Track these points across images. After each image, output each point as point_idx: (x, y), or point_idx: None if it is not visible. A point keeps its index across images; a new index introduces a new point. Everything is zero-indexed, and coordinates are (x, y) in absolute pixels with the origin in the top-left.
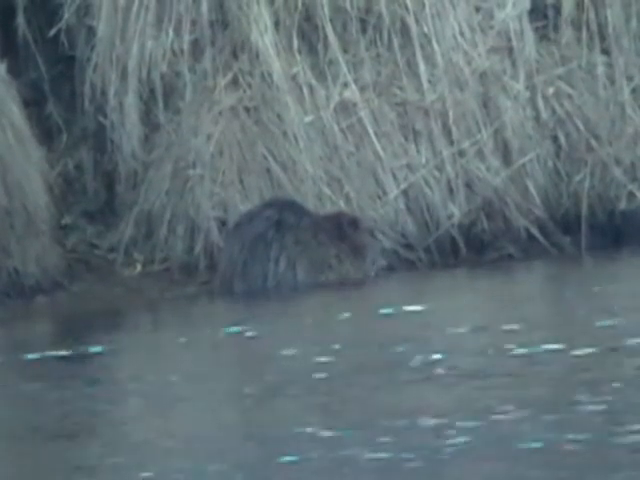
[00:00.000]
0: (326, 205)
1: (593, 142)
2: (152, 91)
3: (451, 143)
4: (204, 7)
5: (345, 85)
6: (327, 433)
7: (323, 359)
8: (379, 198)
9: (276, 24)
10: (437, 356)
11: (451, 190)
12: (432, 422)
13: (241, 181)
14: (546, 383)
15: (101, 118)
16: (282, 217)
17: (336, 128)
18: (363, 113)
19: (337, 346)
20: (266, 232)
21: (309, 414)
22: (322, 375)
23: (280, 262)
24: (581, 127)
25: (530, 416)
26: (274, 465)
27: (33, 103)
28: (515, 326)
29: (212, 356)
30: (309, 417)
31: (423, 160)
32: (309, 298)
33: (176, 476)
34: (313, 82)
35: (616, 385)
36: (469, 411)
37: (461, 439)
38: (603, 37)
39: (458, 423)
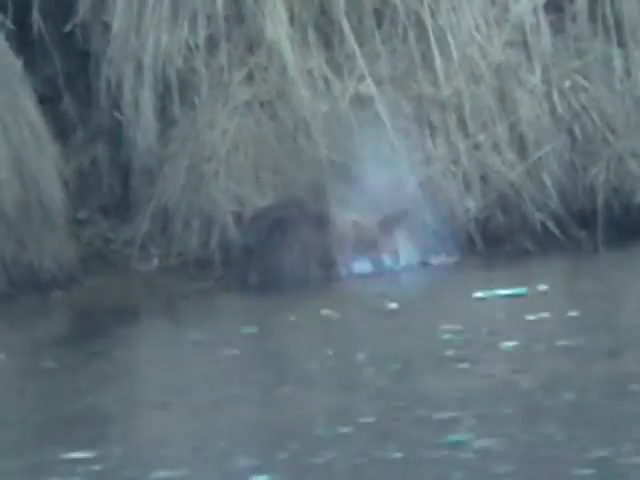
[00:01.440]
0: (342, 201)
1: (609, 135)
2: (167, 86)
3: (467, 136)
4: (219, 2)
5: (361, 79)
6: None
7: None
8: (395, 191)
9: (291, 18)
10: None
11: (467, 184)
12: None
13: (257, 176)
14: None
15: (116, 113)
16: (291, 214)
17: (353, 120)
18: (379, 106)
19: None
20: (279, 226)
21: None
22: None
23: (294, 255)
24: (597, 120)
25: None
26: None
27: (48, 99)
28: None
29: (227, 356)
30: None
31: (439, 153)
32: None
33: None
34: (329, 76)
35: None
36: None
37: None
38: (619, 29)
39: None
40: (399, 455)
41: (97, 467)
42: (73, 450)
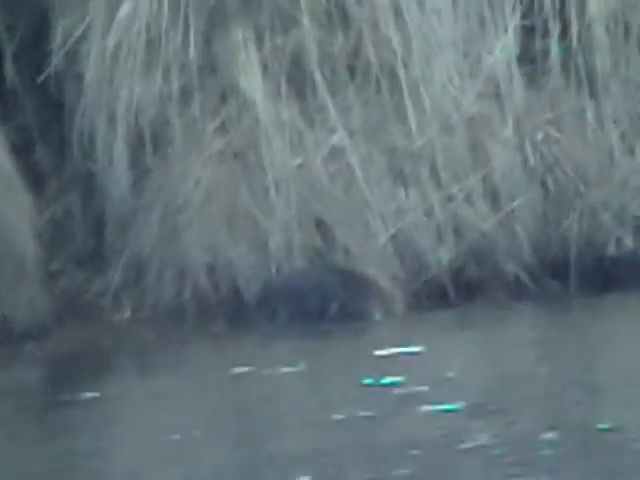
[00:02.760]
0: (314, 252)
1: (582, 187)
2: (140, 137)
3: (440, 188)
4: (192, 52)
5: (334, 130)
6: None
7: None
8: (368, 243)
9: (264, 69)
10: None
11: (440, 235)
12: None
13: (229, 226)
14: None
15: (90, 164)
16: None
17: (324, 173)
18: (352, 158)
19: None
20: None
21: None
22: None
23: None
24: (570, 172)
25: None
26: None
27: (22, 149)
28: None
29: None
30: None
31: (412, 205)
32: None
33: None
34: (302, 127)
35: None
36: None
37: None
38: (591, 82)
39: None
40: None
41: None
42: None
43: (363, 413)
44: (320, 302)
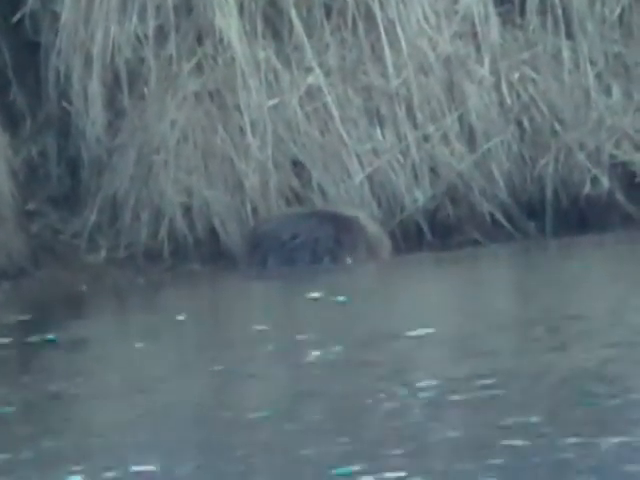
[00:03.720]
0: (291, 192)
1: (557, 127)
2: (116, 77)
3: (416, 128)
4: None
5: (310, 70)
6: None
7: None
8: (344, 183)
9: (240, 9)
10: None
11: (416, 175)
12: None
13: (206, 167)
14: None
15: (65, 104)
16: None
17: (300, 113)
18: (328, 98)
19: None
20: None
21: None
22: None
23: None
24: (546, 112)
25: None
26: None
27: None
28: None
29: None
30: None
31: (388, 145)
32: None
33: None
34: (278, 67)
35: None
36: None
37: None
38: (568, 22)
39: None
40: None
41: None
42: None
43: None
44: (311, 257)
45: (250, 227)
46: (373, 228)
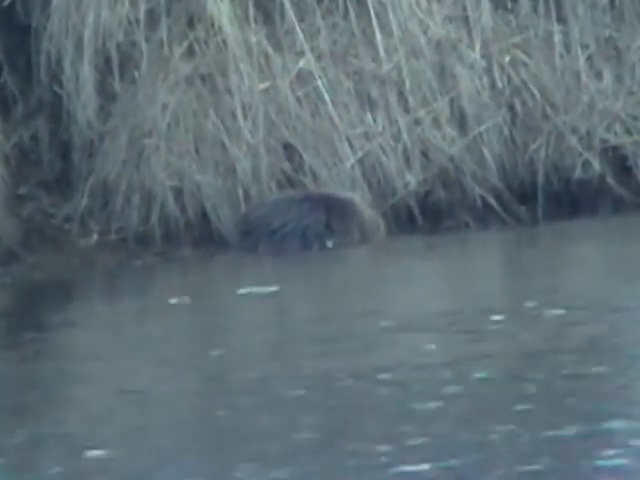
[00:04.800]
0: (283, 175)
1: (549, 110)
2: (108, 61)
3: (407, 112)
4: None
5: (301, 54)
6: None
7: None
8: (335, 166)
9: None
10: None
11: (407, 158)
12: None
13: (197, 150)
14: None
15: (57, 88)
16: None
17: (292, 97)
18: (320, 82)
19: None
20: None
21: None
22: None
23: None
24: (537, 95)
25: None
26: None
27: None
28: None
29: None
30: None
31: (379, 128)
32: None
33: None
34: (269, 51)
35: None
36: None
37: None
38: (559, 5)
39: None
40: None
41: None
42: None
43: None
44: (301, 244)
45: (242, 213)
46: (368, 212)
